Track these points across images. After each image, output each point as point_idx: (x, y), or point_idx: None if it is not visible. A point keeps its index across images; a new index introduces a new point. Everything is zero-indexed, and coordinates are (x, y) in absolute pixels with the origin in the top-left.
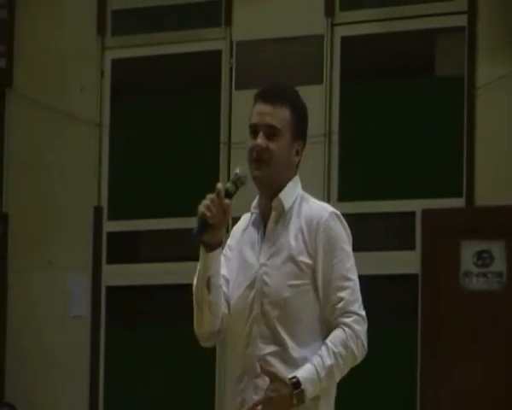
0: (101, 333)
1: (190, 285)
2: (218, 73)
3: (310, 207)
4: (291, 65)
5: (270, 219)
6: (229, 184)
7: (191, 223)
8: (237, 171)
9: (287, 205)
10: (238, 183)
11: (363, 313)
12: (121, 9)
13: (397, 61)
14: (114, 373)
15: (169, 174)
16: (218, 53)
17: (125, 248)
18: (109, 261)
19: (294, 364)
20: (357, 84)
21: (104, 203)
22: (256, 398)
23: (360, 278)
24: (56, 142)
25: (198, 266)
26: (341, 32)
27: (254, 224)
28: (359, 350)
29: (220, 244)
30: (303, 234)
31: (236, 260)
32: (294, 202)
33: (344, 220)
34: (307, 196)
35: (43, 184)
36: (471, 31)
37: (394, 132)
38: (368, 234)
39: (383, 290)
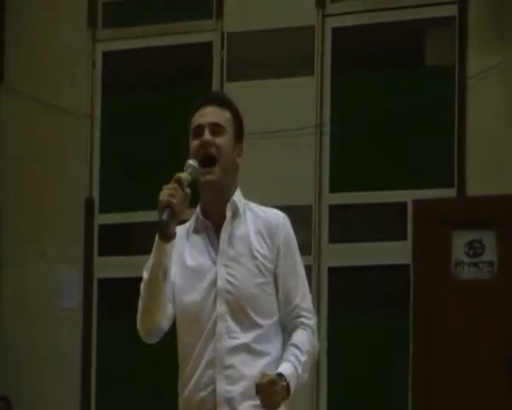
0: (92, 325)
1: None
2: (210, 64)
3: (263, 212)
4: (282, 56)
5: (225, 221)
6: (186, 175)
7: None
8: (191, 162)
9: (240, 208)
10: (193, 174)
11: (312, 307)
12: (112, 2)
13: (388, 51)
14: (106, 365)
15: (160, 166)
16: (210, 45)
17: (117, 241)
18: (101, 254)
19: (260, 357)
20: (348, 75)
21: (96, 196)
22: (230, 388)
23: (352, 268)
24: (48, 135)
25: (151, 260)
26: (332, 23)
27: (198, 230)
28: (317, 345)
29: (174, 236)
30: (263, 236)
31: (177, 267)
32: (244, 207)
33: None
34: (250, 203)
35: (35, 177)
36: (461, 21)
37: (385, 123)
38: (359, 225)
39: (375, 281)
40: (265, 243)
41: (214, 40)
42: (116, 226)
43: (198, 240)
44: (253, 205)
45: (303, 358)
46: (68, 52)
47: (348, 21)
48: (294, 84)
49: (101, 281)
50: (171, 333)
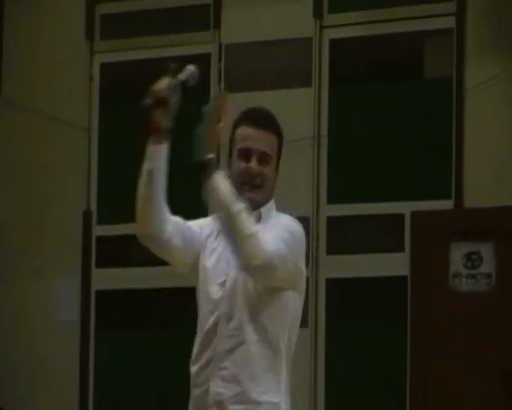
0: (90, 337)
1: (180, 289)
2: (207, 76)
3: (278, 216)
4: (280, 68)
5: None
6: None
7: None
8: (191, 68)
9: (263, 218)
10: (189, 77)
11: (276, 247)
12: (110, 13)
13: (385, 63)
14: (104, 377)
15: None
16: (207, 56)
17: (115, 253)
18: (98, 265)
19: (257, 362)
20: (346, 86)
21: (93, 207)
22: (221, 391)
23: (350, 280)
24: (45, 146)
25: (143, 164)
26: (330, 34)
27: (225, 229)
28: (263, 250)
29: (164, 139)
30: None
31: (205, 251)
32: (268, 217)
33: (300, 226)
34: (280, 214)
35: (33, 189)
36: (459, 33)
37: (383, 135)
38: (357, 236)
39: (373, 292)
40: None
41: (212, 52)
42: (114, 238)
43: (223, 240)
44: (279, 214)
45: (245, 218)
46: (66, 64)
47: (346, 33)
48: (292, 96)
49: (99, 293)
50: (168, 347)
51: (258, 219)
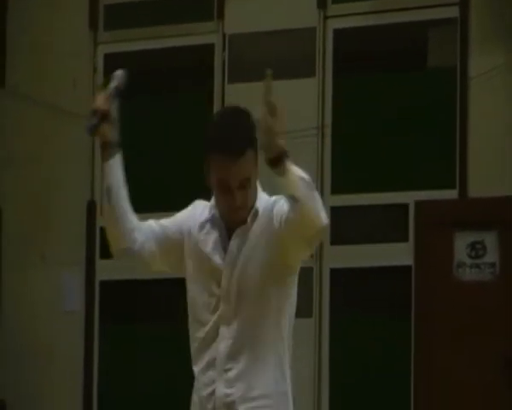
0: (94, 328)
1: (184, 280)
2: (211, 66)
3: (266, 201)
4: (284, 58)
5: (242, 226)
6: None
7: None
8: (118, 73)
9: (260, 211)
10: (119, 81)
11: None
12: (113, 4)
13: (389, 53)
14: (108, 368)
15: (161, 169)
16: (211, 46)
17: None
18: (103, 256)
19: (261, 361)
20: (350, 76)
21: (97, 198)
22: (229, 391)
23: (354, 270)
24: (49, 137)
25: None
26: (334, 24)
27: (214, 223)
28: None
29: (115, 152)
30: (265, 229)
31: (190, 247)
32: (264, 205)
33: None
34: (265, 195)
35: (37, 180)
36: (463, 22)
37: (387, 125)
38: (361, 226)
39: (377, 282)
40: (268, 234)
41: (216, 42)
42: None
43: (210, 233)
44: (267, 198)
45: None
46: (70, 55)
47: (350, 23)
48: (296, 86)
49: (103, 283)
50: (171, 338)
51: (256, 213)
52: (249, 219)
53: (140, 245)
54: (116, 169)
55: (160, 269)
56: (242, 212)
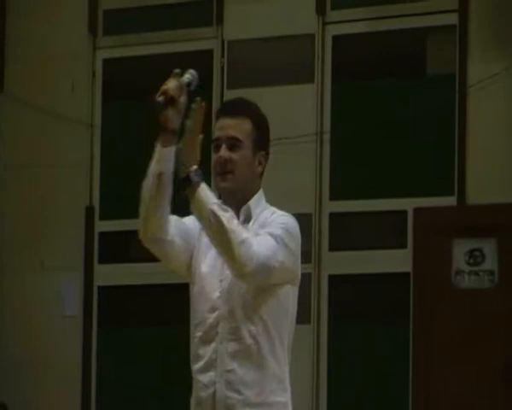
0: (92, 333)
1: (183, 285)
2: (210, 72)
3: (273, 213)
4: (282, 64)
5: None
6: (185, 77)
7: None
8: (192, 71)
9: (254, 213)
10: (192, 80)
11: (268, 250)
12: (112, 9)
13: (388, 59)
14: (106, 373)
15: None
16: (210, 52)
17: (117, 248)
18: (101, 261)
19: (262, 364)
20: (349, 82)
21: (96, 203)
22: (230, 394)
23: (352, 276)
24: (48, 142)
25: (150, 166)
26: (333, 30)
27: None
28: (251, 253)
29: (174, 140)
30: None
31: (197, 247)
32: (261, 212)
33: (294, 221)
34: (273, 208)
35: (35, 185)
36: (462, 29)
37: (386, 131)
38: (360, 233)
39: (375, 289)
40: None
41: (214, 48)
42: (116, 234)
43: None
44: (273, 209)
45: (235, 225)
46: (69, 59)
47: (349, 29)
48: (295, 92)
49: (102, 289)
50: (171, 343)
51: (248, 213)
52: (241, 217)
53: (171, 238)
54: (170, 158)
55: (177, 268)
56: (228, 178)
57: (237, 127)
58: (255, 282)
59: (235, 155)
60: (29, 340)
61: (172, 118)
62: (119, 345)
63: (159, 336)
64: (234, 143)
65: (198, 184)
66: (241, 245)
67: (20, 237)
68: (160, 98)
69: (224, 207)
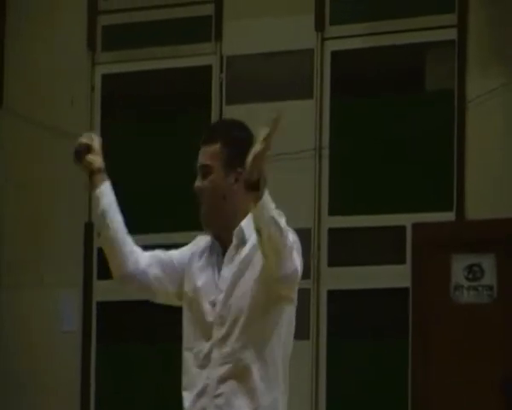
0: (91, 348)
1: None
2: (209, 87)
3: None
4: (281, 79)
5: (229, 248)
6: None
7: (181, 238)
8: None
9: (247, 235)
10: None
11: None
12: (111, 25)
13: (387, 75)
14: (105, 388)
15: (159, 190)
16: (209, 68)
17: None
18: (100, 277)
19: (251, 387)
20: (348, 98)
21: (94, 219)
22: None
23: (351, 292)
24: (47, 157)
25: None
26: (331, 46)
27: (213, 248)
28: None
29: (103, 178)
30: (251, 260)
31: (189, 275)
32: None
33: (293, 235)
34: None
35: (34, 201)
36: (461, 44)
37: (384, 147)
38: (359, 248)
39: (374, 304)
40: (252, 265)
41: (213, 63)
42: None
43: (209, 258)
44: None
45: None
46: (68, 75)
47: (347, 45)
48: (293, 108)
49: (101, 304)
50: (167, 359)
51: (242, 236)
52: (234, 241)
53: (142, 270)
54: (108, 194)
55: (165, 299)
56: (202, 213)
57: (207, 154)
58: (284, 287)
59: (205, 182)
60: (28, 355)
61: (94, 159)
62: (118, 360)
63: (158, 351)
64: (206, 171)
65: (263, 192)
66: (288, 249)
67: (19, 252)
68: (79, 148)
69: (279, 212)
